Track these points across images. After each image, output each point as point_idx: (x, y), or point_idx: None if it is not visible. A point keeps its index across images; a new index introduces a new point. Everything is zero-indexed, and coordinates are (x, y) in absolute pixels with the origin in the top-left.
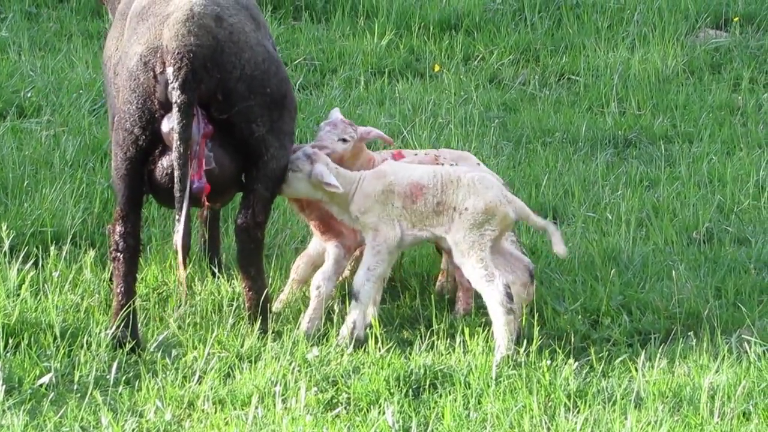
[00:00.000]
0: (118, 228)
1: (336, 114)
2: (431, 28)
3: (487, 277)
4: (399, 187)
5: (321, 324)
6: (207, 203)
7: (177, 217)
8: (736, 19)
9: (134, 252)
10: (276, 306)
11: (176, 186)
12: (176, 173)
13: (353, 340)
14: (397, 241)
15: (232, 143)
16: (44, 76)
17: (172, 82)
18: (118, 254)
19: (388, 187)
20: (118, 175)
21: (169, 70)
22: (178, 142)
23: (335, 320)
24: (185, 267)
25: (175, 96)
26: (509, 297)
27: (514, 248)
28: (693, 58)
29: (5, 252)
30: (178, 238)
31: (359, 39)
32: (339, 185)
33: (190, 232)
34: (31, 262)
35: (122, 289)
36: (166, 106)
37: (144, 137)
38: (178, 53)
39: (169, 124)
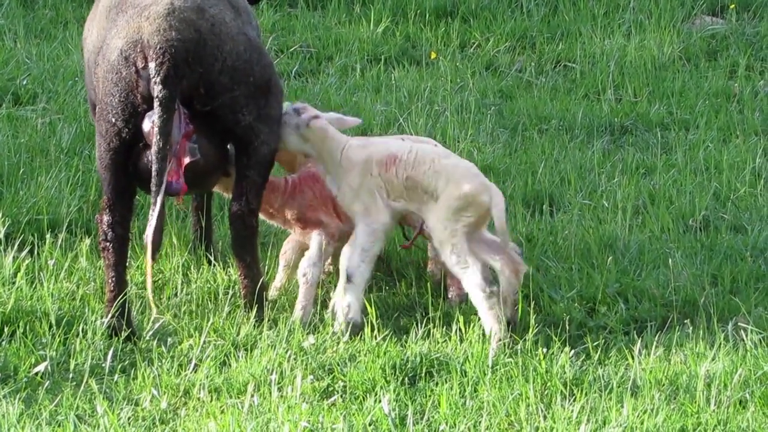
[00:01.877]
0: (106, 218)
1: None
2: (427, 15)
3: (462, 263)
4: (377, 156)
5: (312, 310)
6: (182, 200)
7: (151, 211)
8: (733, 6)
9: (123, 241)
10: (271, 293)
11: (152, 181)
12: (153, 168)
13: (350, 325)
14: (388, 219)
15: (217, 133)
16: (40, 64)
17: (153, 77)
18: (107, 244)
19: (369, 156)
20: (102, 165)
21: (151, 65)
22: (158, 137)
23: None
24: (154, 262)
25: (157, 91)
26: (487, 281)
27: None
28: (689, 45)
29: (1, 240)
30: (149, 233)
31: (355, 26)
32: (326, 122)
33: (162, 228)
34: (27, 249)
35: (114, 278)
36: (149, 100)
37: (127, 130)
38: (159, 48)
39: (150, 123)
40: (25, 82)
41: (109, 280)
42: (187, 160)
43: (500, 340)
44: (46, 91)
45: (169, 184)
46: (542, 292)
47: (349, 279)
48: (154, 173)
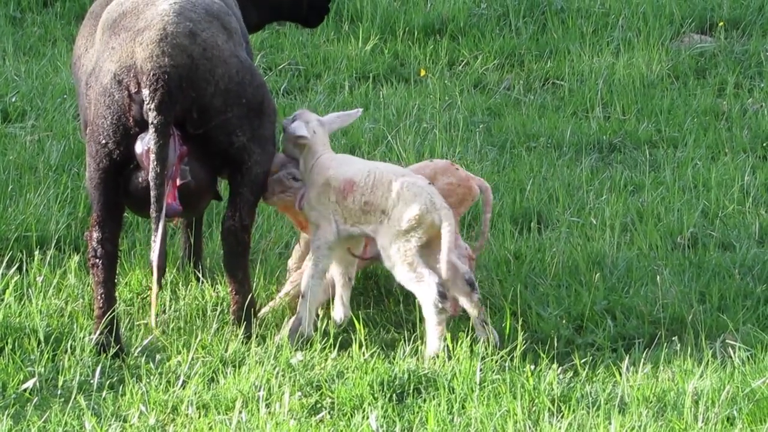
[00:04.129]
0: (95, 234)
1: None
2: (416, 33)
3: (417, 278)
4: (335, 182)
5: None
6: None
7: (153, 237)
8: (721, 23)
9: (112, 258)
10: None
11: (152, 206)
12: (152, 193)
13: (298, 336)
14: (334, 237)
15: (209, 155)
16: (28, 81)
17: (148, 103)
18: (97, 260)
19: (327, 180)
20: (92, 184)
21: (145, 92)
22: (155, 163)
23: (319, 324)
24: (160, 288)
25: (152, 117)
26: (442, 296)
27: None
28: (678, 63)
29: None
30: (154, 258)
31: (343, 44)
32: (307, 135)
33: (165, 252)
34: (15, 266)
35: (103, 295)
36: (141, 124)
37: (118, 152)
38: (153, 75)
39: (143, 145)
40: (13, 100)
41: (98, 297)
42: (179, 181)
43: (433, 357)
44: (34, 108)
45: (168, 206)
46: (530, 309)
47: (302, 294)
48: (153, 199)
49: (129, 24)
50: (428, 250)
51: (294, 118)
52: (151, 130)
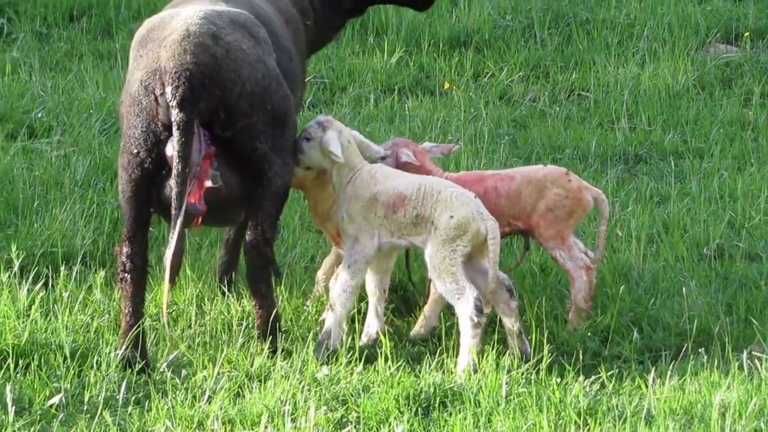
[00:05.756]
0: (125, 249)
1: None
2: (441, 45)
3: (458, 291)
4: (384, 197)
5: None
6: (199, 224)
7: (171, 234)
8: (747, 33)
9: (141, 273)
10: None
11: (173, 204)
12: (173, 191)
13: (324, 350)
14: (374, 252)
15: (238, 162)
16: (55, 97)
17: (171, 101)
18: (126, 275)
19: (375, 195)
20: (125, 197)
21: (168, 90)
22: (178, 160)
23: (344, 338)
24: (172, 286)
25: (174, 114)
26: (479, 311)
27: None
28: (703, 74)
29: (15, 273)
30: (168, 256)
31: (369, 56)
32: (340, 155)
33: (182, 251)
34: (42, 282)
35: (130, 309)
36: (170, 128)
37: (149, 160)
38: (175, 72)
39: (172, 147)
40: (40, 115)
41: (126, 312)
42: (208, 184)
43: (465, 370)
44: (60, 123)
45: (190, 205)
46: (556, 321)
47: (330, 307)
48: (174, 196)
49: (156, 35)
50: (470, 261)
51: (322, 127)
52: (174, 127)
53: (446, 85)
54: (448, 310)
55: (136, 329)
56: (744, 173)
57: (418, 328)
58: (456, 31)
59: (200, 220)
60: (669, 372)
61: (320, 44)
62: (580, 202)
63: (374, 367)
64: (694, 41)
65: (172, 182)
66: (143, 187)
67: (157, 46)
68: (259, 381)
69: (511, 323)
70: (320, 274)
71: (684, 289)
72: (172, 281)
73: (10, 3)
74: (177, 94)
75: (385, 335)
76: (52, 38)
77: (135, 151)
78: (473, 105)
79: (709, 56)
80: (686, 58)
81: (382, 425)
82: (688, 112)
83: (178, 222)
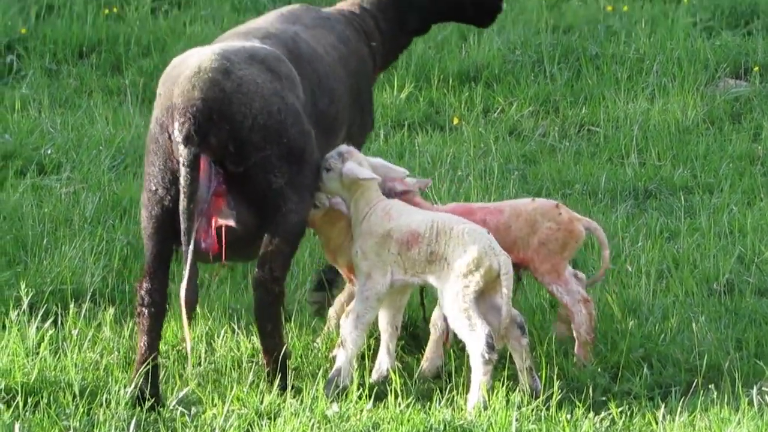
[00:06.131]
0: (145, 284)
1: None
2: (451, 80)
3: (470, 327)
4: (398, 234)
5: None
6: (224, 262)
7: (183, 271)
8: (756, 68)
9: (159, 309)
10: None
11: (182, 240)
12: (182, 227)
13: (334, 387)
14: (386, 288)
15: (254, 198)
16: (64, 133)
17: (176, 137)
18: (143, 309)
19: (389, 232)
20: (146, 233)
21: (175, 125)
22: (183, 197)
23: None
24: (190, 323)
25: (179, 150)
26: (490, 347)
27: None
28: (713, 108)
29: (24, 310)
30: (182, 294)
31: (379, 92)
32: (371, 175)
33: (196, 288)
34: (51, 320)
35: (146, 343)
36: None
37: (168, 197)
38: (182, 108)
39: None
40: (49, 152)
41: (141, 345)
42: (221, 221)
43: (476, 407)
44: (70, 160)
45: (198, 242)
46: (566, 358)
47: (342, 344)
48: (182, 232)
49: (175, 72)
50: (482, 297)
51: (342, 157)
52: (179, 163)
53: (456, 121)
54: (456, 346)
55: (149, 364)
56: (754, 208)
57: (423, 368)
58: (466, 66)
59: (224, 255)
60: (679, 408)
61: (388, 63)
62: (573, 234)
63: (384, 404)
64: (704, 76)
65: (180, 218)
66: (164, 224)
67: (172, 84)
68: (269, 418)
69: (521, 360)
70: (332, 312)
71: (694, 324)
72: (189, 317)
73: (19, 39)
74: (182, 130)
75: (395, 372)
76: (62, 75)
77: (154, 188)
78: (483, 140)
79: (718, 91)
80: (696, 93)
81: None
82: (697, 147)
83: (188, 258)
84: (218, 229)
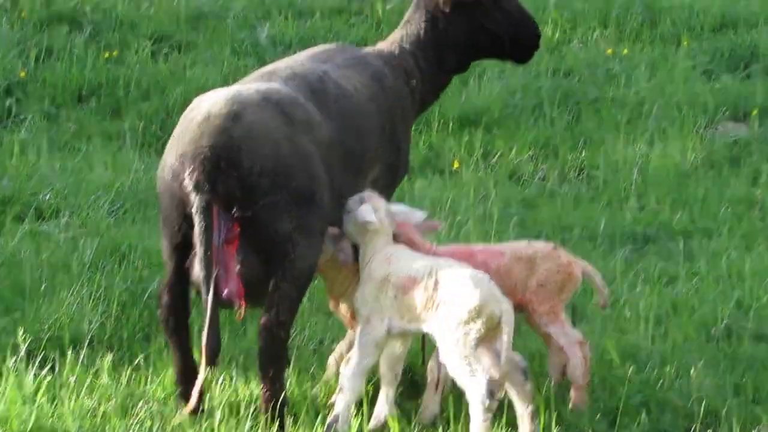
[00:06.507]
0: (165, 297)
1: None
2: (451, 125)
3: (471, 373)
4: (395, 278)
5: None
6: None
7: (204, 318)
8: (755, 112)
9: (179, 318)
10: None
11: (202, 288)
12: (200, 274)
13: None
14: (383, 334)
15: (261, 243)
16: (63, 178)
17: (187, 185)
18: (166, 317)
19: (387, 276)
20: (166, 254)
21: (186, 174)
22: (200, 245)
23: (352, 421)
24: (212, 367)
25: (192, 199)
26: (491, 394)
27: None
28: (712, 152)
29: (22, 357)
30: (204, 342)
31: None
32: (374, 220)
33: (218, 335)
34: (48, 366)
35: (175, 345)
36: None
37: (189, 236)
38: (192, 157)
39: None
40: (47, 197)
41: (173, 348)
42: (237, 268)
43: None
44: (68, 205)
45: (218, 290)
46: (564, 403)
47: (340, 389)
48: (201, 280)
49: (189, 116)
50: (482, 344)
51: (362, 200)
52: (193, 211)
53: (456, 165)
54: (455, 392)
55: (183, 365)
56: (752, 253)
57: (421, 415)
58: (466, 110)
59: (243, 303)
60: None
61: (428, 102)
62: (571, 276)
63: None
64: (703, 119)
65: (198, 266)
66: (183, 249)
67: (184, 129)
68: None
69: (524, 407)
70: (332, 359)
71: (692, 370)
72: (213, 363)
73: (18, 83)
74: (193, 178)
75: (393, 419)
76: (61, 119)
77: (169, 233)
78: (483, 185)
79: (717, 134)
80: (695, 136)
81: None
82: (696, 191)
83: (209, 306)
84: (240, 274)
